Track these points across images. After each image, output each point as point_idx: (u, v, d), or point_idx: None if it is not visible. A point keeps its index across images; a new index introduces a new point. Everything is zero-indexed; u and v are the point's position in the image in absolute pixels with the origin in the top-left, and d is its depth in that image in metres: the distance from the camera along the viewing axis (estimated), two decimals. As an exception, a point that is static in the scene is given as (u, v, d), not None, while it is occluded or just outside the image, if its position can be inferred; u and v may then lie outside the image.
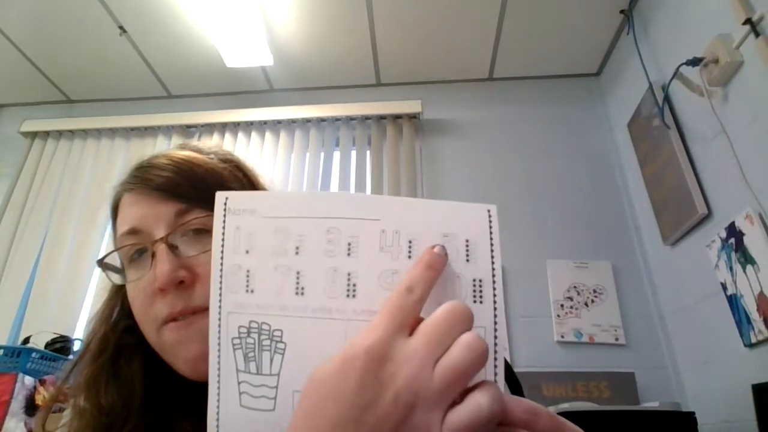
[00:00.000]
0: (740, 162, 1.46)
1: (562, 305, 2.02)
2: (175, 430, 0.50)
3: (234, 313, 0.34)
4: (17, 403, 1.39)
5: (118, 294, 0.58)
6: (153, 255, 0.49)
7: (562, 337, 1.97)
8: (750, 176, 1.43)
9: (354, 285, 0.33)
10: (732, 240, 1.50)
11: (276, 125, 2.50)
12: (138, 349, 0.54)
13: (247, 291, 0.34)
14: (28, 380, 1.45)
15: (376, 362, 0.27)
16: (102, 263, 0.54)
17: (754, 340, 1.42)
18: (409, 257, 0.33)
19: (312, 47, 2.37)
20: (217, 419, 0.33)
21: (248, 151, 2.42)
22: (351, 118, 2.47)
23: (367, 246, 0.33)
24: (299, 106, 2.48)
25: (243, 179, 0.58)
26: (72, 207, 2.37)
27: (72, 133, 2.59)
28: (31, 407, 1.42)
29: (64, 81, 2.62)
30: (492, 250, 0.33)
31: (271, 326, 0.33)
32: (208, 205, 0.50)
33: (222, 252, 0.35)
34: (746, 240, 1.43)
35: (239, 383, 0.33)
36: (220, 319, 0.34)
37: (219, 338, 0.34)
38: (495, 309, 0.32)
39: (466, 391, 0.28)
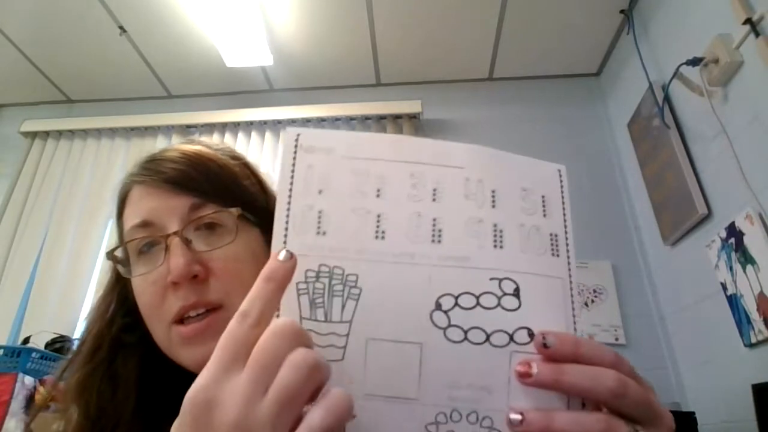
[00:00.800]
0: (740, 162, 1.46)
1: (562, 305, 2.02)
2: None
3: (301, 256, 0.31)
4: (17, 403, 1.39)
5: (114, 290, 0.56)
6: (166, 248, 0.48)
7: (562, 337, 1.96)
8: (750, 176, 1.43)
9: (440, 230, 0.32)
10: (732, 240, 1.50)
11: (276, 125, 2.50)
12: (136, 350, 0.53)
13: (318, 233, 0.31)
14: (28, 380, 1.45)
15: (204, 411, 0.26)
16: (112, 256, 0.53)
17: (754, 340, 1.41)
18: (493, 206, 0.33)
19: (312, 47, 2.36)
20: None
21: (248, 151, 2.42)
22: (351, 118, 2.47)
23: (452, 192, 0.33)
24: (299, 106, 2.48)
25: (252, 177, 0.57)
26: (72, 207, 2.37)
27: (72, 133, 2.59)
28: (30, 407, 1.42)
29: (64, 81, 2.61)
30: (564, 208, 0.34)
31: (345, 270, 0.31)
32: (221, 201, 0.51)
33: (290, 191, 0.32)
34: (746, 240, 1.43)
35: None
36: None
37: None
38: (569, 262, 0.33)
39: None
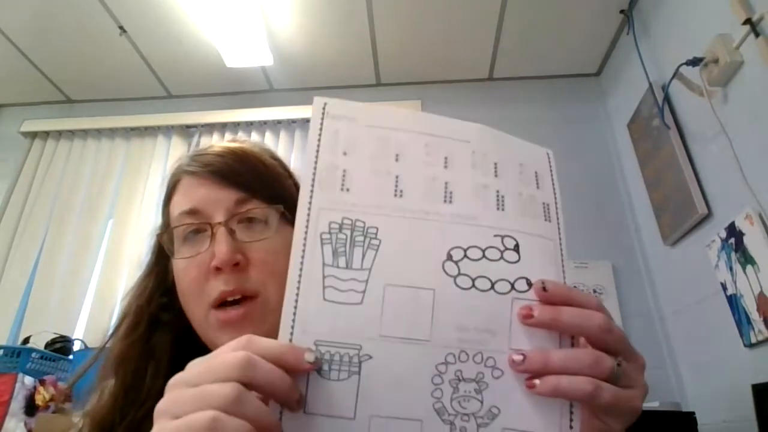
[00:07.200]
0: (740, 162, 1.46)
1: (562, 305, 2.02)
2: None
3: (326, 209, 0.35)
4: (17, 403, 1.39)
5: (153, 271, 0.61)
6: (212, 236, 0.52)
7: (562, 337, 1.96)
8: (750, 176, 1.43)
9: (451, 192, 0.36)
10: (732, 240, 1.50)
11: (276, 125, 2.50)
12: (171, 328, 0.57)
13: (342, 189, 0.35)
14: (28, 380, 1.45)
15: None
16: (161, 238, 0.57)
17: (754, 340, 1.41)
18: (495, 176, 0.38)
19: (312, 47, 2.36)
20: (294, 313, 0.33)
21: (248, 151, 2.42)
22: (351, 118, 2.47)
23: (460, 162, 0.37)
24: (299, 106, 2.48)
25: (289, 178, 0.62)
26: (72, 207, 2.37)
27: (72, 133, 2.59)
28: (30, 407, 1.42)
29: (64, 81, 2.61)
30: (553, 184, 0.40)
31: (366, 223, 0.35)
32: (263, 197, 0.56)
33: (317, 151, 0.36)
34: (746, 240, 1.43)
35: (324, 277, 0.34)
36: (309, 215, 0.35)
37: (306, 233, 0.34)
38: (559, 228, 0.38)
39: None
